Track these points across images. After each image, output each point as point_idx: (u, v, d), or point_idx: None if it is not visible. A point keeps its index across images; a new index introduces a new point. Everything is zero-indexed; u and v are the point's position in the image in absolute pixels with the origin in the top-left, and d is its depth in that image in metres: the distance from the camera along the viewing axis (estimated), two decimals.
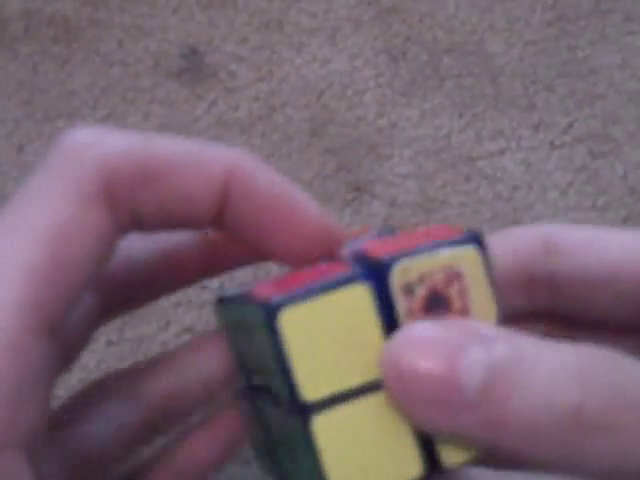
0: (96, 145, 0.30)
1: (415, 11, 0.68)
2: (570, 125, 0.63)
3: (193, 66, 0.66)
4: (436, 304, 0.28)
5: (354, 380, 0.28)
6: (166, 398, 0.32)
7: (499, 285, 0.29)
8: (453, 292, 0.28)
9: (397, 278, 0.28)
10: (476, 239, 0.28)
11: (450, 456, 0.29)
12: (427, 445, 0.29)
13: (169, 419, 0.32)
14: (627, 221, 0.59)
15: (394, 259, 0.28)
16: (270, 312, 0.27)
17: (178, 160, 0.30)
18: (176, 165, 0.30)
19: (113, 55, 0.66)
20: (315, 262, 0.31)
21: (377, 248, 0.29)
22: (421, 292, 0.28)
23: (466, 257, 0.28)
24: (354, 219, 0.59)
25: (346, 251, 0.31)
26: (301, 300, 0.27)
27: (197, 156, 0.31)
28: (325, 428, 0.27)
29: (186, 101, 0.64)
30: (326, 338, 0.27)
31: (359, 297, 0.27)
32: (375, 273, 0.28)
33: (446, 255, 0.28)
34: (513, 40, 0.67)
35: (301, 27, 0.68)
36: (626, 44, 0.66)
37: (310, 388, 0.27)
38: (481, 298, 0.28)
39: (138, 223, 0.30)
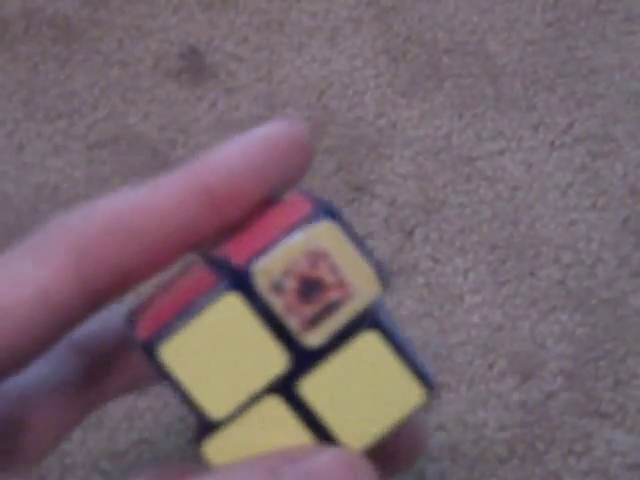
0: (66, 222, 0.29)
1: (415, 11, 0.68)
2: (570, 125, 0.63)
3: (193, 66, 0.66)
4: (311, 290, 0.27)
5: (254, 385, 0.28)
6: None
7: (366, 244, 0.26)
8: (323, 272, 0.27)
9: (261, 281, 0.27)
10: (326, 210, 0.27)
11: (354, 441, 0.29)
12: (326, 439, 0.29)
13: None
14: (627, 221, 0.59)
15: (251, 263, 0.27)
16: (149, 352, 0.27)
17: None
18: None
19: (113, 55, 0.66)
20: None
21: (235, 251, 0.28)
22: (290, 285, 0.27)
23: (323, 233, 0.27)
24: (354, 219, 0.59)
25: (212, 254, 0.30)
26: (176, 330, 0.27)
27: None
28: (220, 449, 0.28)
29: (186, 101, 0.64)
30: (216, 355, 0.27)
31: (232, 307, 0.27)
32: (239, 281, 0.27)
33: (302, 239, 0.27)
34: (513, 40, 0.67)
35: (301, 27, 0.68)
36: (626, 44, 0.66)
37: (215, 407, 0.27)
38: (354, 265, 0.28)
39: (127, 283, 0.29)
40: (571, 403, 0.53)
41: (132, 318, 0.30)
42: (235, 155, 0.29)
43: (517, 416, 0.53)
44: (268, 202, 0.30)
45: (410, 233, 0.59)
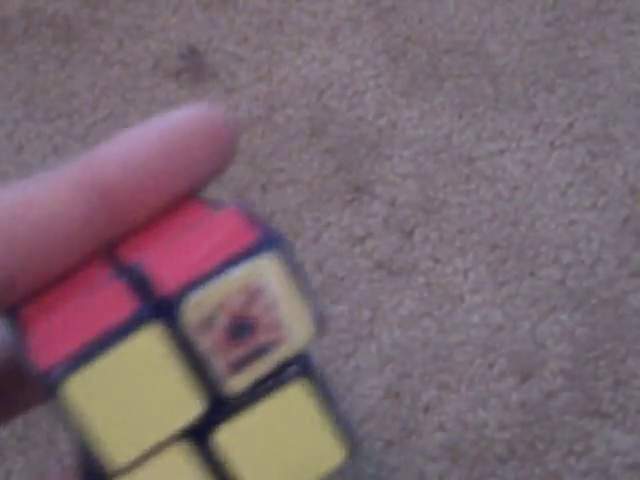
0: None
1: (415, 11, 0.68)
2: (570, 125, 0.63)
3: (193, 66, 0.66)
4: (242, 330, 0.24)
5: (162, 434, 0.25)
6: None
7: (307, 278, 0.24)
8: (258, 311, 0.24)
9: (190, 316, 0.24)
10: (272, 242, 0.24)
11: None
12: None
13: None
14: (627, 221, 0.59)
15: (183, 294, 0.24)
16: (51, 386, 0.24)
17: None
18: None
19: (113, 55, 0.66)
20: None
21: (160, 272, 0.24)
22: (221, 322, 0.24)
23: (265, 268, 0.24)
24: (354, 219, 0.59)
25: (128, 265, 0.26)
26: (84, 364, 0.24)
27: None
28: None
29: (186, 101, 0.64)
30: (124, 395, 0.24)
31: (152, 340, 0.24)
32: (162, 310, 0.24)
33: (241, 274, 0.24)
34: (513, 40, 0.67)
35: (301, 27, 0.68)
36: (626, 44, 0.66)
37: (116, 455, 0.25)
38: (293, 305, 0.24)
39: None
40: (571, 403, 0.53)
41: (18, 321, 0.26)
42: (135, 145, 0.26)
43: (517, 416, 0.53)
44: (188, 197, 0.27)
45: (410, 233, 0.59)
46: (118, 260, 0.25)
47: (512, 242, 0.58)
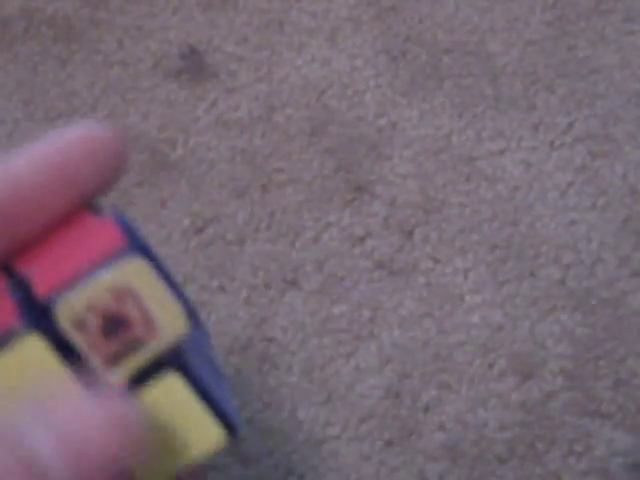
0: None
1: (415, 11, 0.68)
2: (570, 125, 0.63)
3: (193, 66, 0.66)
4: (114, 326, 0.26)
5: None
6: None
7: (175, 281, 0.27)
8: (129, 308, 0.26)
9: (63, 317, 0.26)
10: (138, 247, 0.27)
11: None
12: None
13: None
14: (627, 221, 0.59)
15: (54, 297, 0.26)
16: None
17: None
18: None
19: (113, 55, 0.66)
20: None
21: (40, 278, 0.27)
22: (94, 322, 0.26)
23: (131, 270, 0.26)
24: (354, 219, 0.59)
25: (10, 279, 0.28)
26: None
27: None
28: None
29: (186, 101, 0.64)
30: (15, 398, 0.26)
31: (33, 346, 0.26)
32: (40, 315, 0.26)
33: (109, 277, 0.26)
34: (513, 40, 0.67)
35: (301, 27, 0.68)
36: (626, 44, 0.66)
37: None
38: (162, 303, 0.27)
39: None
40: (571, 403, 0.53)
41: None
42: (21, 163, 0.27)
43: (517, 416, 0.53)
44: (80, 208, 0.29)
45: (410, 233, 0.59)
46: (12, 271, 0.28)
47: (512, 242, 0.58)
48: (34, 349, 0.26)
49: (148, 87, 0.65)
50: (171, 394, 0.28)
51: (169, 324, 0.27)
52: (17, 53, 0.66)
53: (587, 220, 0.59)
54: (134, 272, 0.26)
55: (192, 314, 0.28)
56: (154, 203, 0.60)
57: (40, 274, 0.27)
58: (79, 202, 0.27)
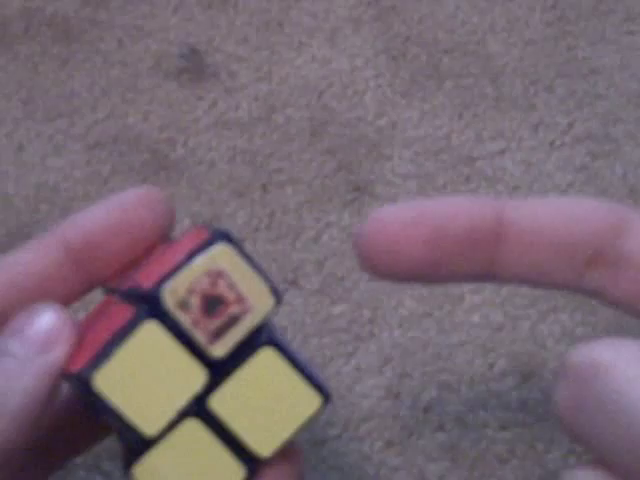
0: None
1: (415, 11, 0.68)
2: (570, 125, 0.63)
3: (193, 66, 0.66)
4: (213, 305, 0.31)
5: (181, 401, 0.31)
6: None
7: (259, 264, 0.32)
8: (223, 289, 0.31)
9: (169, 301, 0.30)
10: (222, 236, 0.31)
11: (264, 448, 0.32)
12: (241, 449, 0.32)
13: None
14: None
15: (158, 286, 0.30)
16: (84, 382, 0.30)
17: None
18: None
19: (113, 55, 0.66)
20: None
21: (146, 278, 0.32)
22: (195, 302, 0.30)
23: (220, 255, 0.31)
24: (354, 219, 0.59)
25: (126, 284, 0.33)
26: (105, 360, 0.30)
27: None
28: (149, 471, 0.31)
29: (186, 101, 0.64)
30: (143, 378, 0.31)
31: (151, 332, 0.30)
32: (151, 305, 0.30)
33: (202, 261, 0.31)
34: (513, 40, 0.67)
35: (301, 27, 0.68)
36: (626, 44, 0.66)
37: (148, 425, 0.31)
38: (250, 282, 0.31)
39: None
40: None
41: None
42: (92, 216, 0.35)
43: (517, 416, 0.53)
44: (159, 242, 0.35)
45: None
46: (120, 291, 0.33)
47: None
48: (152, 333, 0.30)
49: (148, 87, 0.65)
50: (270, 367, 0.32)
51: (259, 300, 0.31)
52: (17, 53, 0.66)
53: None
54: (223, 256, 0.31)
55: (275, 291, 0.32)
56: None
57: (144, 278, 0.32)
58: (139, 245, 0.35)
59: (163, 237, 0.35)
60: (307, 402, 0.33)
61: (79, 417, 0.37)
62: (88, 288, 0.36)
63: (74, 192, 0.60)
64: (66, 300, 0.35)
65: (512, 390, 0.53)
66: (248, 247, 0.58)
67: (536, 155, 0.62)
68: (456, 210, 0.33)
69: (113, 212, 0.35)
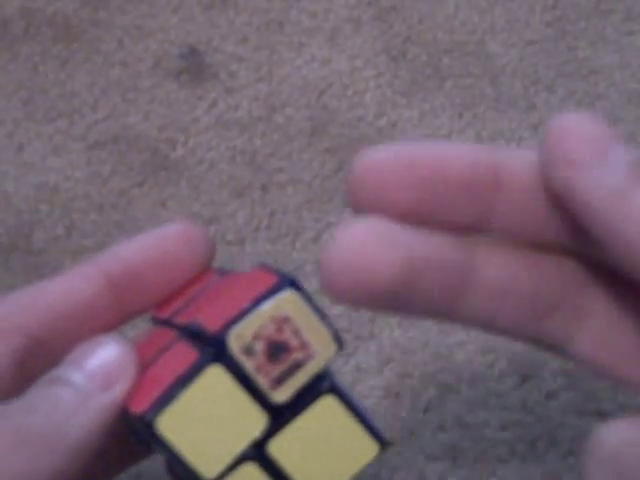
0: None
1: (415, 11, 0.68)
2: None
3: (193, 66, 0.66)
4: (277, 351, 0.31)
5: (240, 446, 0.32)
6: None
7: (323, 311, 0.32)
8: (287, 335, 0.31)
9: (234, 346, 0.31)
10: (289, 282, 0.31)
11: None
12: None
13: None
14: None
15: (225, 331, 0.31)
16: (148, 424, 0.31)
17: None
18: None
19: (113, 55, 0.66)
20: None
21: (210, 321, 0.32)
22: (260, 348, 0.31)
23: (287, 301, 0.31)
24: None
25: (185, 322, 0.34)
26: (170, 402, 0.31)
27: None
28: None
29: (186, 101, 0.64)
30: (205, 421, 0.31)
31: (215, 376, 0.31)
32: (217, 349, 0.31)
33: (269, 307, 0.31)
34: (513, 40, 0.67)
35: (301, 27, 0.68)
36: (626, 44, 0.66)
37: (208, 469, 0.31)
38: (314, 329, 0.32)
39: None
40: (571, 403, 0.53)
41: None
42: (133, 248, 0.35)
43: (517, 416, 0.53)
44: (203, 273, 0.36)
45: None
46: (177, 325, 0.34)
47: None
48: (216, 377, 0.31)
49: (148, 87, 0.65)
50: (330, 414, 0.32)
51: (322, 347, 0.32)
52: (17, 53, 0.66)
53: None
54: (289, 303, 0.31)
55: (337, 338, 0.33)
56: (154, 203, 0.60)
57: (209, 318, 0.32)
58: (178, 279, 0.36)
59: (204, 267, 0.36)
60: (365, 449, 0.34)
61: (118, 440, 0.36)
62: (125, 319, 0.36)
63: (74, 192, 0.60)
64: (104, 330, 0.35)
65: (512, 390, 0.53)
66: (248, 248, 0.58)
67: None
68: (456, 153, 0.32)
69: (154, 246, 0.35)
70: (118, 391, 0.31)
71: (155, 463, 0.36)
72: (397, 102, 0.64)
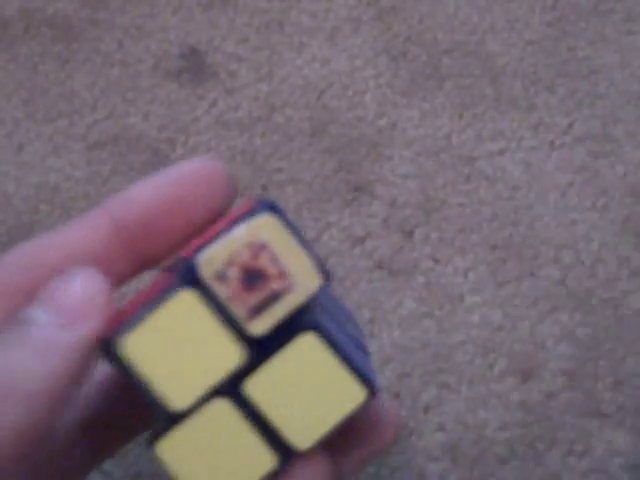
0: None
1: (415, 11, 0.68)
2: (570, 125, 0.63)
3: (193, 66, 0.66)
4: (253, 279, 0.28)
5: (214, 378, 0.29)
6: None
7: (305, 238, 0.28)
8: (264, 262, 0.28)
9: (206, 271, 0.28)
10: (267, 206, 0.29)
11: (301, 440, 0.30)
12: (275, 437, 0.30)
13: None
14: (627, 221, 0.59)
15: (195, 254, 0.28)
16: (108, 346, 0.28)
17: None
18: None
19: (113, 55, 0.66)
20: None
21: (187, 251, 0.30)
22: (234, 274, 0.28)
23: (264, 226, 0.28)
24: (354, 219, 0.59)
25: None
26: (134, 325, 0.28)
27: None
28: (171, 448, 0.29)
29: (186, 101, 0.64)
30: (175, 349, 0.28)
31: (187, 302, 0.28)
32: (189, 275, 0.28)
33: (244, 231, 0.28)
34: (513, 40, 0.67)
35: (301, 27, 0.68)
36: (626, 44, 0.66)
37: (176, 399, 0.29)
38: (295, 258, 0.29)
39: None
40: (571, 403, 0.53)
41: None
42: (146, 192, 0.31)
43: (517, 416, 0.53)
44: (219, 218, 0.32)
45: (410, 233, 0.59)
46: (170, 264, 0.31)
47: (512, 242, 0.58)
48: (188, 303, 0.28)
49: (148, 87, 0.65)
50: (311, 353, 0.29)
51: (304, 278, 0.29)
52: (17, 53, 0.66)
53: (587, 220, 0.59)
54: (266, 227, 0.28)
55: (322, 268, 0.29)
56: None
57: (189, 250, 0.30)
58: (197, 223, 0.32)
59: (223, 213, 0.32)
60: (350, 395, 0.30)
61: (125, 401, 0.34)
62: (140, 269, 0.32)
63: (74, 192, 0.60)
64: (116, 283, 0.32)
65: (512, 390, 0.53)
66: None
67: (536, 155, 0.62)
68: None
69: (169, 188, 0.31)
70: (87, 328, 0.28)
71: (155, 463, 0.36)
72: (397, 102, 0.64)
